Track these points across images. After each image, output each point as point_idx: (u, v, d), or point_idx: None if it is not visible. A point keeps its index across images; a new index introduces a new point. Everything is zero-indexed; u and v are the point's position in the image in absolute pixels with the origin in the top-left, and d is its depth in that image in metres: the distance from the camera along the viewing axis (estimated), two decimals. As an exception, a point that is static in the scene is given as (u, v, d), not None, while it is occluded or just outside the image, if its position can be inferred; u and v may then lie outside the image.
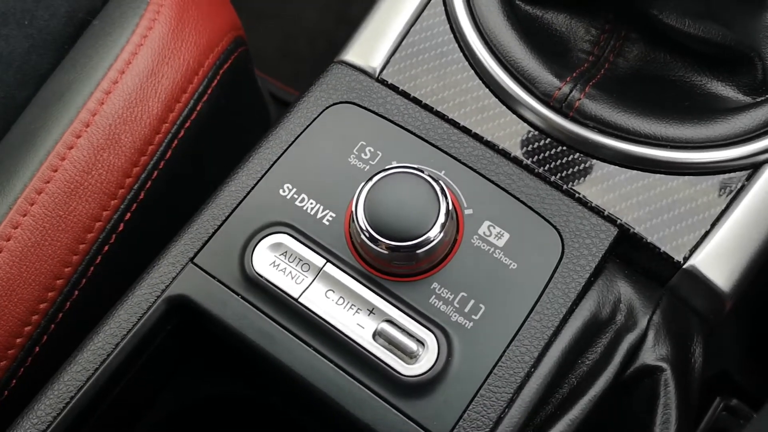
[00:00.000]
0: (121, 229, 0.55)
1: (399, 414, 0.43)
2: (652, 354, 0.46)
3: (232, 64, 0.64)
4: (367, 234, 0.45)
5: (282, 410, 0.54)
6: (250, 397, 0.54)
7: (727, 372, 0.70)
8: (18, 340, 0.51)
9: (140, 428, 0.53)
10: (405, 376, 0.44)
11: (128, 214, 0.55)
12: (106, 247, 0.54)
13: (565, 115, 0.51)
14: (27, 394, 0.48)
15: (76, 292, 0.53)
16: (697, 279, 0.48)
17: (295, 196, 0.49)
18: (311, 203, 0.49)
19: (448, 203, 0.45)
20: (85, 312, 0.53)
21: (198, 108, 0.60)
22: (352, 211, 0.46)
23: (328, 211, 0.49)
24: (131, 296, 0.47)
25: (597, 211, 0.49)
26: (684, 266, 0.48)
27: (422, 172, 0.46)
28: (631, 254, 0.49)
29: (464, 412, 0.43)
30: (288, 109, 0.53)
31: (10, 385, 0.51)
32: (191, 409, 0.54)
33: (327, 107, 0.52)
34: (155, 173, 0.57)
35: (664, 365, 0.45)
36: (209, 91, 0.61)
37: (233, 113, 0.70)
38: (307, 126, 0.52)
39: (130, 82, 0.56)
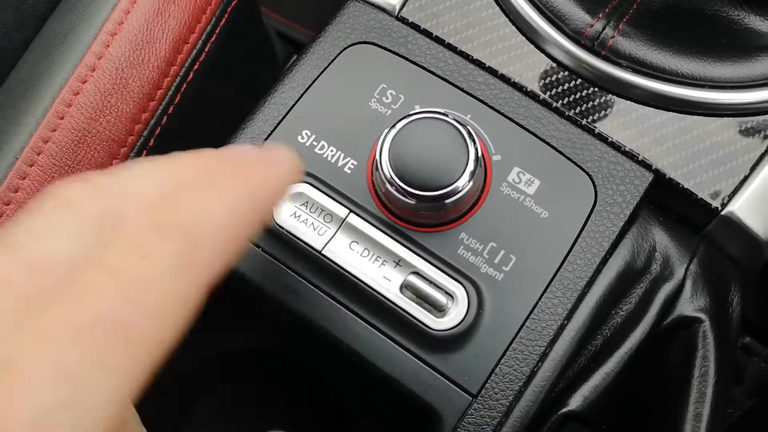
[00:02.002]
0: (131, 178, 0.53)
1: (428, 369, 0.42)
2: (690, 305, 0.44)
3: (239, 2, 0.61)
4: (392, 183, 0.43)
5: (303, 365, 0.53)
6: (270, 352, 0.53)
7: (743, 311, 0.69)
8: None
9: (158, 383, 0.52)
10: (434, 330, 0.42)
11: (138, 163, 0.53)
12: (117, 198, 0.52)
13: (598, 54, 0.48)
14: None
15: (88, 244, 0.51)
16: (735, 226, 0.46)
17: (315, 143, 0.47)
18: (331, 150, 0.47)
19: (477, 149, 0.43)
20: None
21: (206, 49, 0.57)
22: (375, 159, 0.44)
23: (349, 158, 0.46)
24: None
25: (631, 156, 0.47)
26: (722, 213, 0.46)
27: (448, 116, 0.43)
28: (667, 201, 0.47)
29: (496, 366, 0.42)
30: (303, 51, 0.50)
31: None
32: (210, 363, 0.52)
33: (344, 48, 0.49)
34: (164, 119, 0.54)
35: (703, 316, 0.43)
36: (217, 31, 0.58)
37: (241, 54, 0.67)
38: (324, 69, 0.49)
39: (135, 22, 0.52)
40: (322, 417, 0.59)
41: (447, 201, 0.43)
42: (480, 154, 0.43)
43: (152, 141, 0.54)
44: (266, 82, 0.73)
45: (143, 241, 0.26)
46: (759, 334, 0.72)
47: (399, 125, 0.43)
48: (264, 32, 0.75)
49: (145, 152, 0.53)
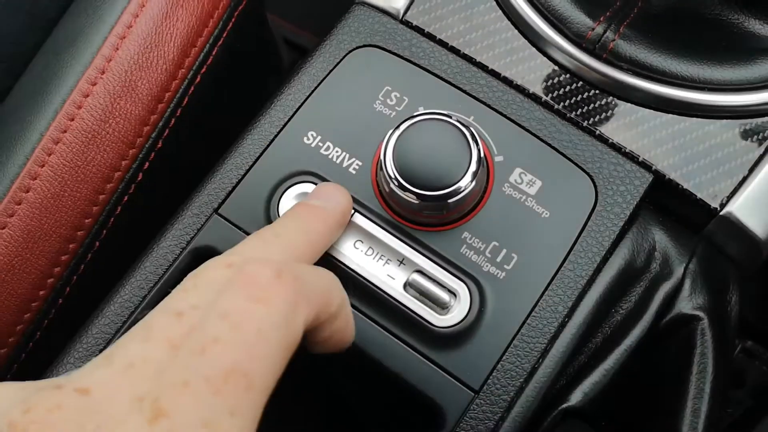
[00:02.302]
0: (140, 178, 0.54)
1: (432, 365, 0.43)
2: (688, 303, 0.45)
3: (246, 6, 0.62)
4: (396, 183, 0.43)
5: (305, 364, 0.53)
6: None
7: (744, 315, 0.69)
8: (41, 293, 0.50)
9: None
10: (437, 327, 0.43)
11: (147, 164, 0.54)
12: (126, 198, 0.53)
13: (599, 57, 0.49)
14: (52, 347, 0.47)
15: (97, 244, 0.52)
16: (733, 226, 0.47)
17: (320, 144, 0.48)
18: (336, 151, 0.48)
19: (479, 150, 0.44)
20: (106, 264, 0.52)
21: (213, 53, 0.58)
22: (379, 160, 0.45)
23: (354, 159, 0.47)
24: (156, 248, 0.46)
25: (631, 157, 0.47)
26: (721, 213, 0.47)
27: (451, 118, 0.44)
28: (666, 201, 0.48)
29: (498, 362, 0.43)
30: (309, 54, 0.51)
31: (35, 338, 0.51)
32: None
33: (350, 51, 0.50)
34: (172, 121, 0.55)
35: (701, 314, 0.44)
36: (224, 35, 0.59)
37: (247, 58, 0.68)
38: (330, 71, 0.50)
39: (144, 25, 0.54)
40: (326, 416, 0.60)
41: (450, 201, 0.43)
42: (482, 155, 0.44)
43: (160, 143, 0.55)
44: (272, 86, 0.74)
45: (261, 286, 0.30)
46: (760, 337, 0.72)
47: (403, 126, 0.44)
48: (270, 37, 0.76)
49: (153, 154, 0.54)
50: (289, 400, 0.59)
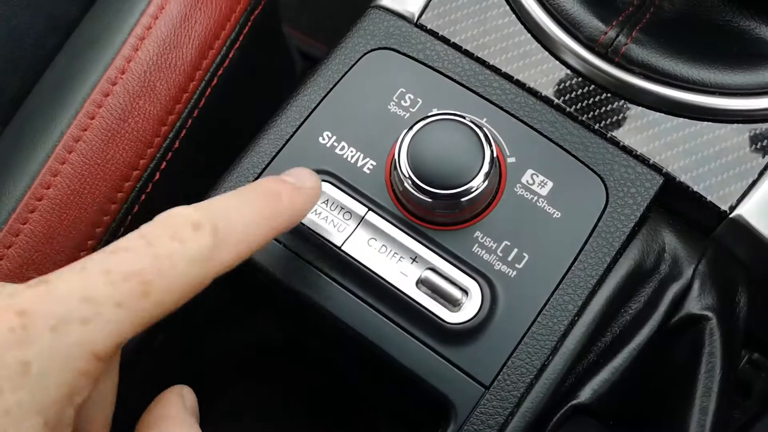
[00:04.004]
0: (157, 178, 0.54)
1: (443, 360, 0.44)
2: (697, 303, 0.45)
3: (263, 11, 0.63)
4: (410, 182, 0.44)
5: (319, 360, 0.54)
6: (287, 346, 0.54)
7: (750, 327, 0.70)
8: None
9: (178, 375, 0.54)
10: (449, 323, 0.44)
11: (164, 163, 0.55)
12: (143, 196, 0.54)
13: (611, 61, 0.50)
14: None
15: (115, 241, 0.53)
16: (743, 229, 0.47)
17: (335, 144, 0.49)
18: (351, 151, 0.48)
19: (492, 150, 0.44)
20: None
21: (230, 55, 0.59)
22: (394, 159, 0.45)
23: (368, 159, 0.48)
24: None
25: (642, 160, 0.48)
26: (730, 216, 0.47)
27: (465, 118, 0.45)
28: (676, 204, 0.49)
29: (508, 359, 0.43)
30: (325, 57, 0.52)
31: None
32: (229, 355, 0.54)
33: (365, 53, 0.51)
34: (189, 122, 0.56)
35: (710, 314, 0.44)
36: (240, 38, 0.60)
37: (262, 62, 0.69)
38: (345, 73, 0.51)
39: (163, 27, 0.55)
40: (338, 413, 0.60)
41: (462, 200, 0.44)
42: (495, 156, 0.45)
43: (177, 143, 0.56)
44: (285, 90, 0.75)
45: (181, 229, 0.33)
46: (767, 350, 0.73)
47: (417, 126, 0.45)
48: (284, 43, 0.77)
49: (170, 154, 0.55)
50: (300, 393, 0.60)
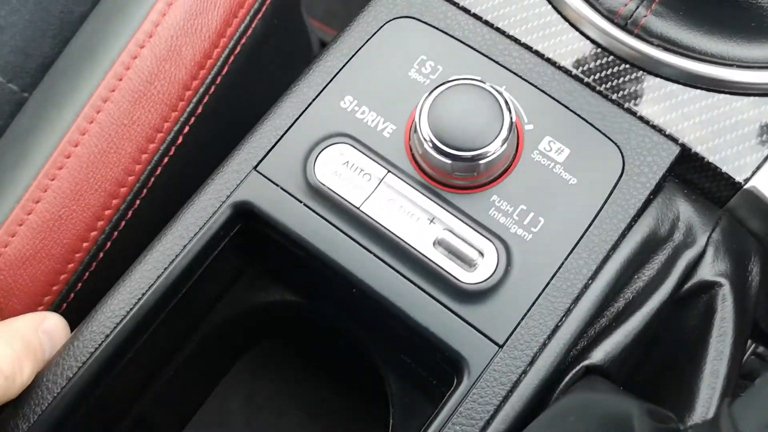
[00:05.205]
0: (180, 141, 0.56)
1: (458, 319, 0.44)
2: (710, 269, 0.46)
3: (284, -16, 0.64)
4: (430, 144, 0.45)
5: (333, 322, 0.55)
6: (301, 309, 0.55)
7: (756, 320, 0.71)
8: (84, 244, 0.52)
9: (196, 334, 0.55)
10: (464, 283, 0.45)
11: (186, 128, 0.56)
12: (166, 159, 0.55)
13: (630, 33, 0.50)
14: (91, 297, 0.49)
15: (138, 202, 0.54)
16: (757, 200, 0.48)
17: (356, 108, 0.50)
18: (372, 115, 0.49)
19: (511, 116, 0.45)
20: (144, 222, 0.54)
21: (253, 25, 0.60)
22: (414, 122, 0.46)
23: (388, 123, 0.49)
24: (196, 201, 0.48)
25: (659, 130, 0.49)
26: (745, 187, 0.48)
27: (485, 84, 0.46)
28: (691, 174, 0.49)
29: (522, 319, 0.44)
30: (347, 24, 0.53)
31: (76, 288, 0.53)
32: (245, 316, 0.55)
33: (387, 21, 0.52)
34: (212, 88, 0.57)
35: (723, 280, 0.45)
36: (263, 9, 0.61)
37: (282, 37, 0.70)
38: (367, 40, 0.52)
39: (190, -6, 0.56)
40: (349, 375, 0.61)
41: (481, 162, 0.45)
42: (514, 121, 0.46)
43: (200, 108, 0.57)
44: (302, 65, 0.76)
45: None
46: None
47: (439, 89, 0.46)
48: (302, 20, 0.78)
49: (193, 119, 0.56)
50: (312, 354, 0.62)
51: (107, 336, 0.45)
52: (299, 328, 0.59)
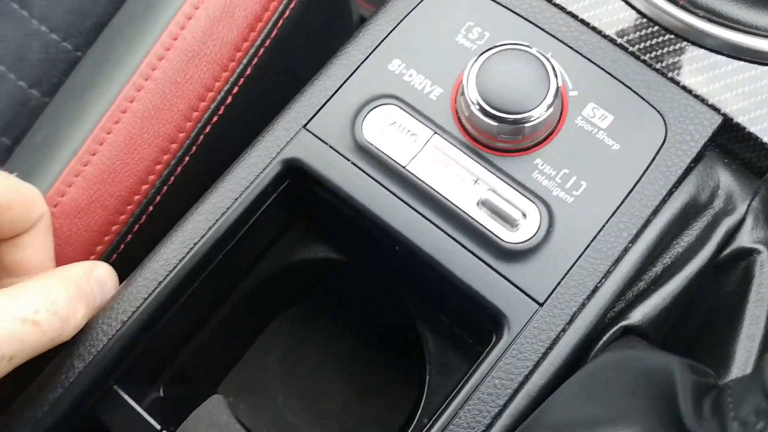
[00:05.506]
0: (229, 101, 0.57)
1: (499, 276, 0.46)
2: (749, 237, 0.47)
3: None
4: (477, 106, 0.46)
5: (373, 280, 0.57)
6: (345, 265, 0.57)
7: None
8: (136, 197, 0.54)
9: (240, 287, 0.56)
10: (507, 242, 0.46)
11: (236, 88, 0.57)
12: (215, 118, 0.57)
13: (675, 3, 0.51)
14: (139, 250, 0.51)
15: (187, 158, 0.56)
16: (797, 172, 0.48)
17: (404, 71, 0.51)
18: (419, 78, 0.50)
19: (557, 81, 0.46)
20: (192, 178, 0.56)
21: None
22: (461, 85, 0.47)
23: (435, 86, 0.50)
24: (247, 157, 0.49)
25: (701, 99, 0.49)
26: (786, 157, 0.48)
27: (532, 49, 0.47)
28: (732, 144, 0.50)
29: (562, 279, 0.45)
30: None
31: (126, 240, 0.55)
32: (287, 272, 0.57)
33: None
34: (261, 50, 0.58)
35: (761, 248, 0.46)
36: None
37: (328, 5, 0.71)
38: (416, 5, 0.53)
39: (242, -43, 0.57)
40: (388, 336, 0.63)
41: (526, 125, 0.46)
42: (559, 86, 0.47)
43: (249, 69, 0.58)
44: (344, 35, 0.77)
45: None
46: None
47: (487, 54, 0.47)
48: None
49: (242, 80, 0.58)
50: (350, 312, 0.63)
51: (159, 283, 0.47)
52: (339, 286, 0.60)
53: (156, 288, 0.47)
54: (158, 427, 0.47)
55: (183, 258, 0.47)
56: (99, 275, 0.49)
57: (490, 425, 0.43)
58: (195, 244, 0.47)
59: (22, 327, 0.41)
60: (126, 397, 0.48)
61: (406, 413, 0.60)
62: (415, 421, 0.52)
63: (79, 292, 0.46)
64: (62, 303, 0.44)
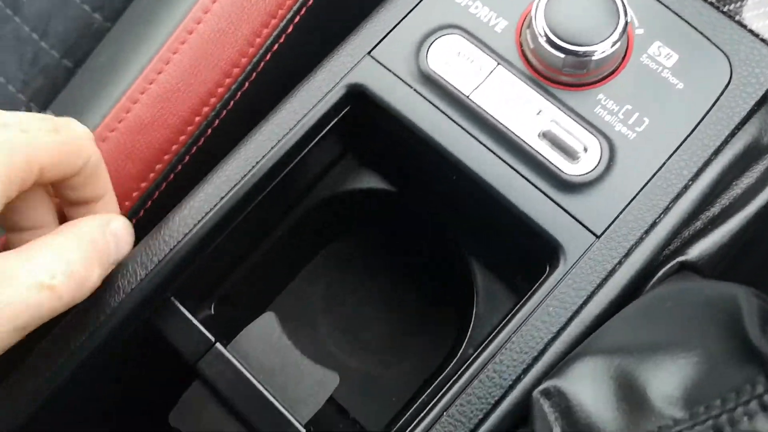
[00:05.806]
0: (290, 30, 0.57)
1: (559, 208, 0.46)
2: (811, 180, 0.47)
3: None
4: (544, 37, 0.46)
5: (426, 211, 0.57)
6: (396, 196, 0.57)
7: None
8: (197, 119, 0.54)
9: (290, 215, 0.57)
10: (567, 174, 0.46)
11: (297, 17, 0.57)
12: (276, 46, 0.56)
13: (748, -55, 0.50)
14: (194, 172, 0.52)
15: (247, 84, 0.56)
16: None
17: (470, 2, 0.51)
18: (485, 10, 0.50)
19: (626, 16, 0.46)
20: (250, 103, 0.56)
21: None
22: (528, 16, 0.48)
23: (501, 18, 0.50)
24: (312, 80, 0.50)
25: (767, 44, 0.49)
26: None
27: (601, -15, 0.47)
28: (797, 91, 0.50)
29: (621, 213, 0.46)
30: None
31: (184, 161, 0.55)
32: (338, 202, 0.57)
33: None
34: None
35: (823, 190, 0.46)
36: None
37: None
38: (482, -60, 0.53)
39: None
40: (433, 269, 0.64)
41: (592, 59, 0.46)
42: (628, 22, 0.46)
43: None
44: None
45: None
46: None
47: None
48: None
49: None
50: (399, 243, 0.64)
51: (222, 198, 0.48)
52: (387, 220, 0.61)
53: (217, 203, 0.48)
54: (212, 339, 0.48)
55: (245, 175, 0.48)
56: (115, 229, 0.46)
57: (543, 350, 0.44)
58: (257, 162, 0.48)
59: (39, 295, 0.39)
60: (182, 308, 0.49)
61: (446, 349, 0.60)
62: (460, 352, 0.53)
63: (95, 250, 0.44)
64: (79, 263, 0.42)
